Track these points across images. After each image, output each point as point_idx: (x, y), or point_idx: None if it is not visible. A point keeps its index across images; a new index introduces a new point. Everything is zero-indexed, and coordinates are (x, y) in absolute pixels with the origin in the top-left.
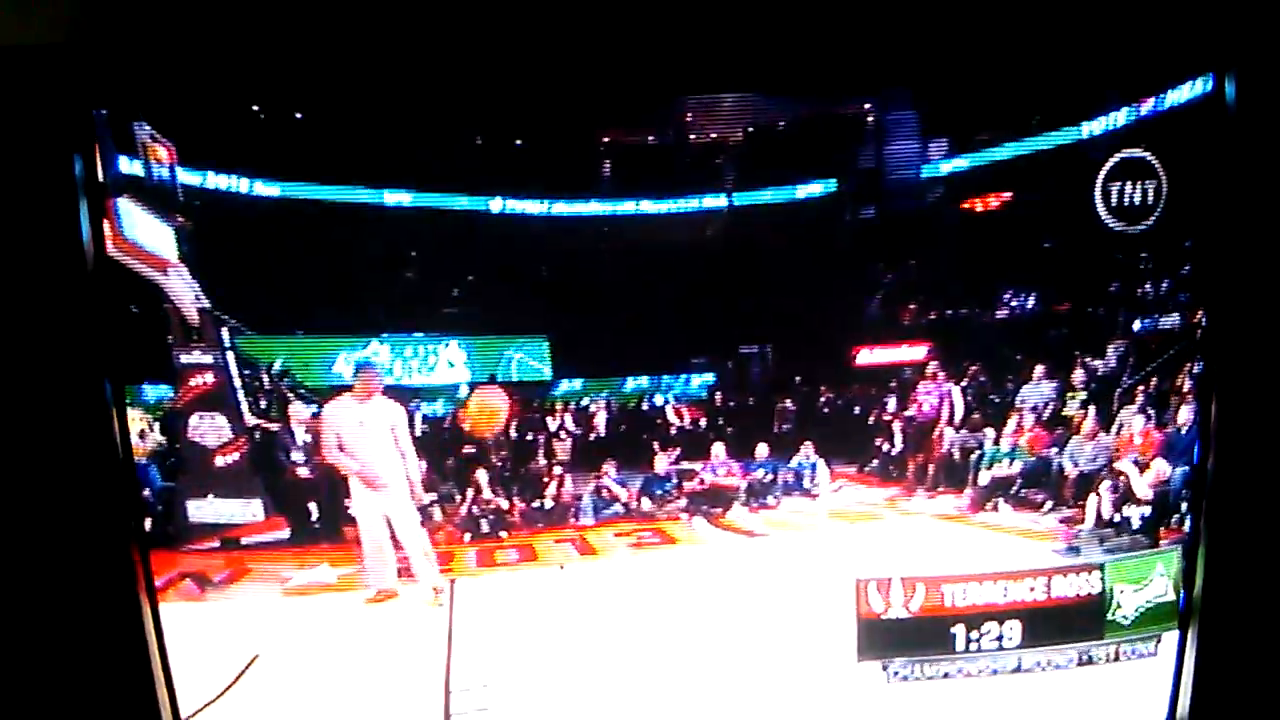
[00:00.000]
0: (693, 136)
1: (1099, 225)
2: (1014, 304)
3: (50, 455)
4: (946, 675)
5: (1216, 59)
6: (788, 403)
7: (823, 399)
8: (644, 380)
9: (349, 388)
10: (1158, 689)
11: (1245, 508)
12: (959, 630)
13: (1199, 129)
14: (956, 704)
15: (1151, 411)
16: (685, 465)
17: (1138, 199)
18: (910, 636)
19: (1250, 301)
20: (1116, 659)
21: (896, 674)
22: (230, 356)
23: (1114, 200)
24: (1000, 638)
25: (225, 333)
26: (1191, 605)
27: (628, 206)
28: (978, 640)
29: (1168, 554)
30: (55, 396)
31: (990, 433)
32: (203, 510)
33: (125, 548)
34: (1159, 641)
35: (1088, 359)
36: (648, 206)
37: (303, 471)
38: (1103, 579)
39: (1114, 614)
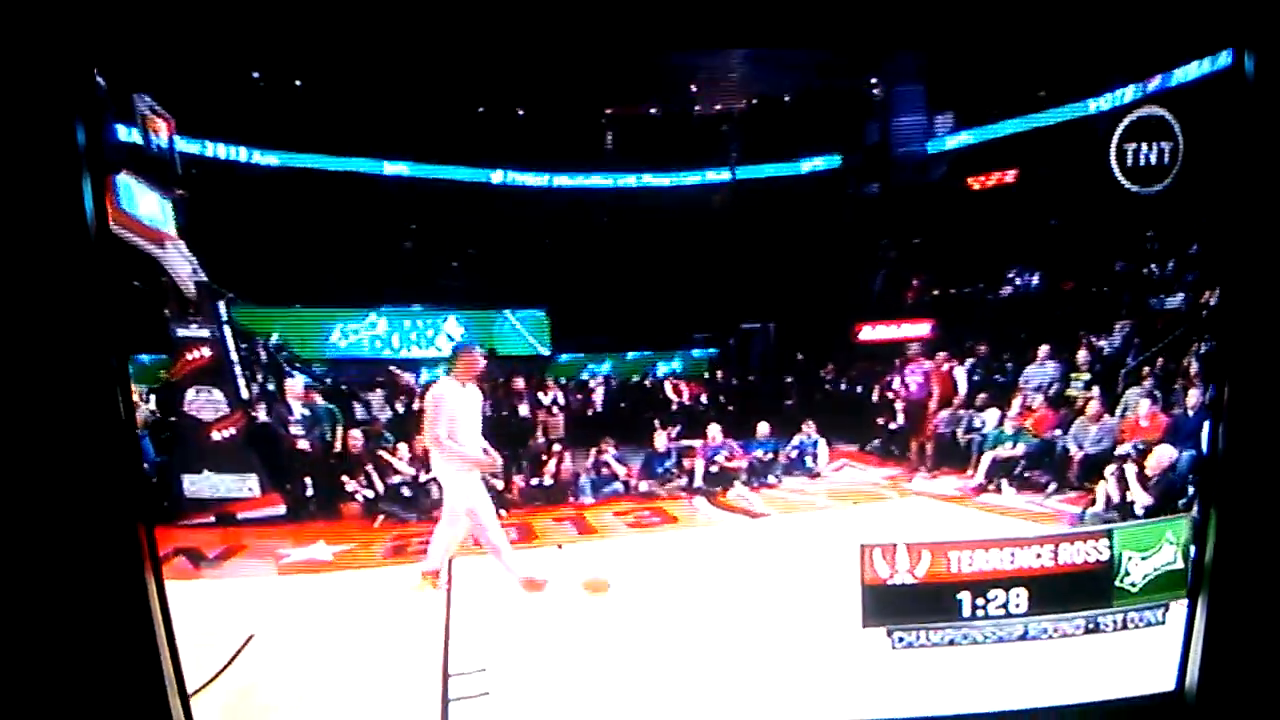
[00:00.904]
0: (697, 109)
1: (1112, 195)
2: (1019, 282)
3: (54, 434)
4: (952, 642)
5: (1236, 35)
6: (790, 380)
7: (825, 376)
8: (645, 355)
9: (448, 370)
10: (1166, 657)
11: (1256, 477)
12: (965, 597)
13: (1216, 102)
14: (962, 671)
15: (1159, 393)
16: (685, 443)
17: (1154, 160)
18: (915, 603)
19: (1262, 278)
20: (1124, 627)
21: (901, 640)
22: (227, 330)
23: (1129, 162)
24: (1006, 604)
25: (222, 306)
26: (1201, 573)
27: (630, 180)
28: (984, 607)
29: (1177, 521)
30: (58, 371)
31: (994, 413)
32: (198, 485)
33: (130, 525)
34: (1167, 610)
35: (1094, 338)
36: (650, 180)
37: (302, 446)
38: (1111, 546)
39: (1122, 581)
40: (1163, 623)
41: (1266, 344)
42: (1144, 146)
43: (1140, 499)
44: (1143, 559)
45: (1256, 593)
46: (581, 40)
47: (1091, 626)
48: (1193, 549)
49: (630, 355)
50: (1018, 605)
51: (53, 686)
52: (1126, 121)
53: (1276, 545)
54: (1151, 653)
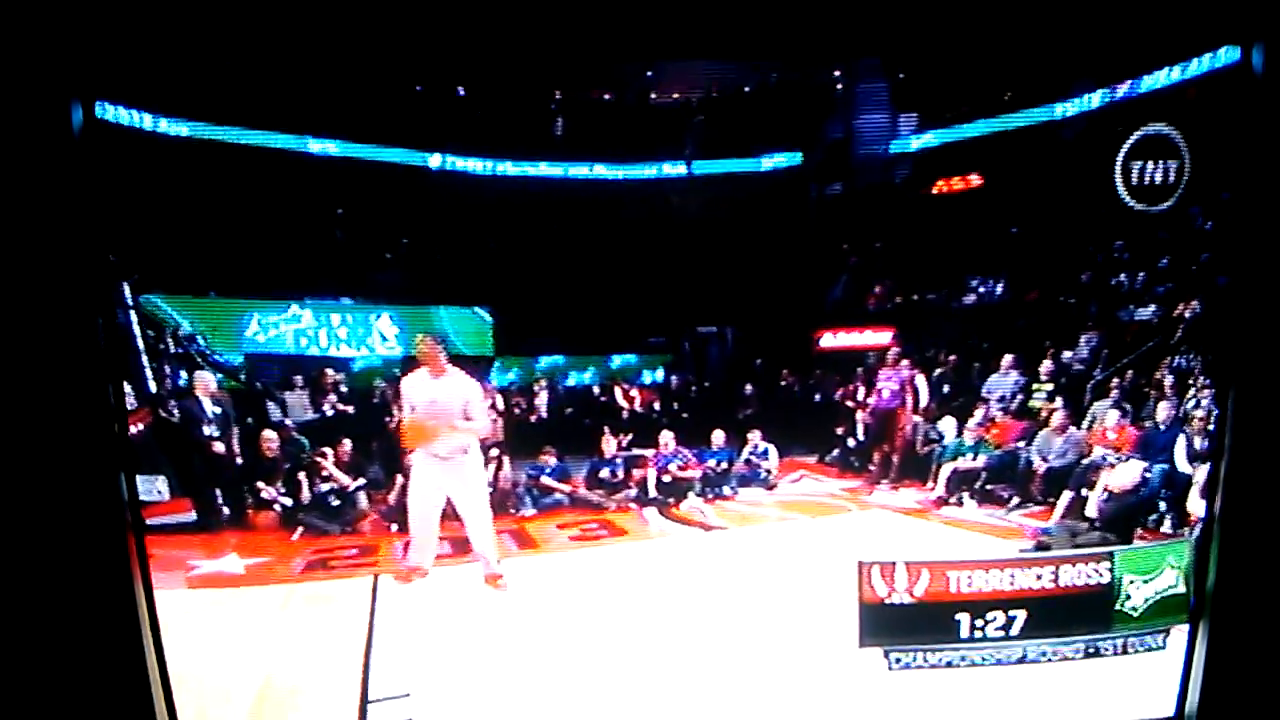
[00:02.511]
0: (654, 96)
1: (1083, 203)
2: (983, 290)
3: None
4: (950, 664)
5: (1243, 32)
6: (747, 387)
7: (783, 384)
8: (593, 360)
9: (415, 360)
10: (1166, 682)
11: (1259, 500)
12: (963, 618)
13: (1219, 103)
14: (960, 694)
15: (1128, 406)
16: (636, 452)
17: (1159, 178)
18: (913, 623)
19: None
20: (1124, 651)
21: (899, 661)
22: (133, 315)
23: (1134, 180)
24: (1006, 626)
25: (127, 288)
26: (1203, 599)
27: (581, 170)
28: (983, 628)
29: (1178, 546)
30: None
31: (952, 423)
32: None
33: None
34: (1168, 634)
35: (1058, 350)
36: (602, 171)
37: (215, 447)
38: (1112, 569)
39: (1122, 605)
40: (1163, 647)
41: (1269, 364)
42: (1149, 164)
43: (1096, 515)
44: (1144, 583)
45: (1258, 618)
46: (529, 27)
47: (1091, 650)
48: (1194, 572)
49: (578, 358)
50: (1017, 627)
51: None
52: (1132, 139)
53: (1279, 570)
54: (1151, 678)
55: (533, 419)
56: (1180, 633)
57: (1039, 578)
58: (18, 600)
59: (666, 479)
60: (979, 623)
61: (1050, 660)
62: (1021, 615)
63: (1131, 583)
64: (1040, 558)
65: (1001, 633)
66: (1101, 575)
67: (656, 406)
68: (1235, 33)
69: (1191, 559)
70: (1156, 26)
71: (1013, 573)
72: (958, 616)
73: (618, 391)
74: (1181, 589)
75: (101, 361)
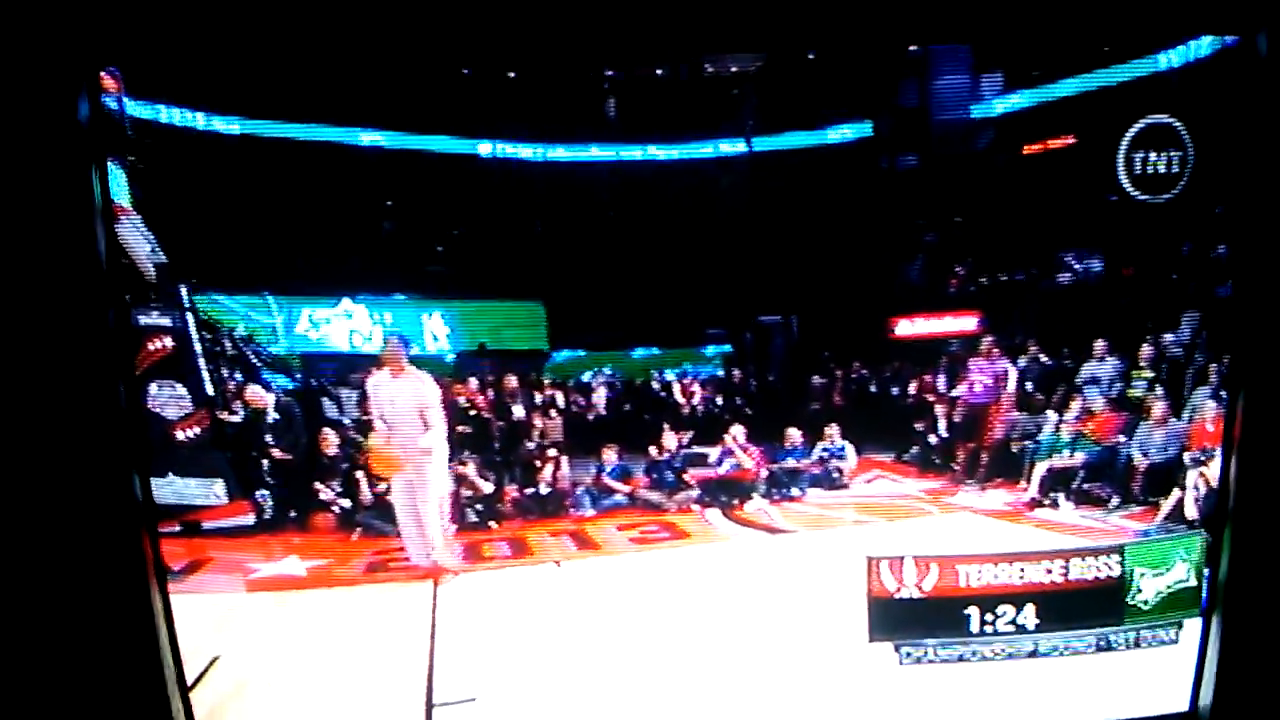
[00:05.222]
0: (709, 69)
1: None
2: (1078, 267)
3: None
4: (961, 658)
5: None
6: (814, 380)
7: (855, 377)
8: (652, 353)
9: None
10: (1180, 676)
11: (1271, 494)
12: (973, 612)
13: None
14: (971, 688)
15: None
16: (697, 450)
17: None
18: (923, 617)
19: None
20: (1137, 645)
21: (909, 655)
22: (190, 318)
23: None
24: (1016, 620)
25: (184, 290)
26: (1216, 591)
27: (634, 152)
28: (993, 622)
29: (1189, 539)
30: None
31: (1050, 417)
32: (162, 490)
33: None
34: (1181, 628)
35: (1159, 332)
36: (656, 152)
37: (272, 449)
38: (1122, 562)
39: (1134, 598)
40: (1176, 641)
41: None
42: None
43: (1196, 515)
44: (1155, 576)
45: (1271, 611)
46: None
47: (1103, 644)
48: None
49: (635, 353)
50: (1027, 621)
51: (50, 689)
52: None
53: None
54: (1165, 672)
55: (590, 416)
56: (1194, 626)
57: (1049, 571)
58: (27, 603)
59: (729, 479)
60: (989, 617)
61: (1062, 654)
62: (1032, 609)
63: (1142, 576)
64: (1050, 551)
65: (1012, 627)
66: (1112, 569)
67: (718, 403)
68: None
69: (1203, 552)
70: None
71: (1022, 566)
72: (967, 611)
73: (677, 387)
74: (1193, 582)
75: (112, 360)
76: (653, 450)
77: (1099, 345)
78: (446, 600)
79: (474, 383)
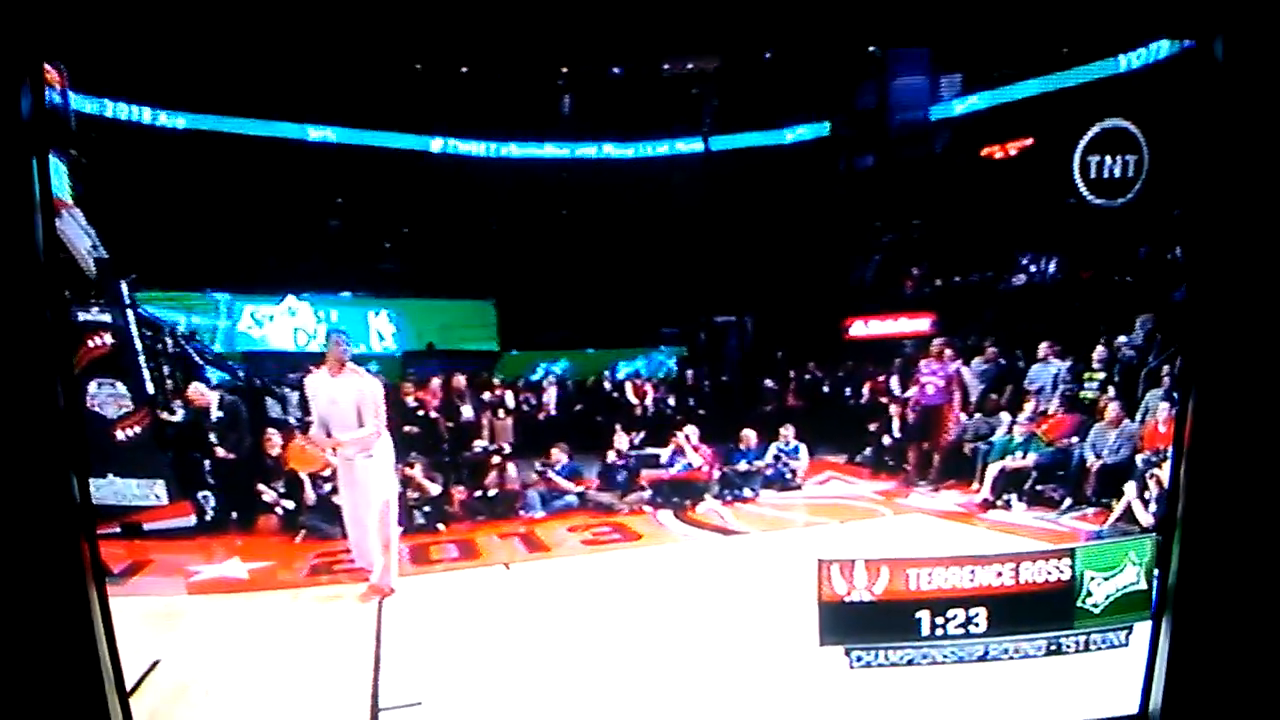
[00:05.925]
0: (666, 67)
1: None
2: (1034, 270)
3: None
4: (911, 662)
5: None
6: (768, 381)
7: (809, 377)
8: (604, 353)
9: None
10: (1130, 679)
11: (1219, 496)
12: (924, 615)
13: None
14: (922, 692)
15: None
16: (649, 451)
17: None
18: (873, 621)
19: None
20: (1087, 648)
21: (860, 659)
22: (130, 315)
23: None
24: (967, 624)
25: (124, 287)
26: (1165, 594)
27: (589, 150)
28: (944, 626)
29: (1139, 542)
30: None
31: (1003, 418)
32: (102, 490)
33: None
34: (1130, 631)
35: (1112, 334)
36: (612, 150)
37: (215, 449)
38: (1073, 565)
39: (1084, 601)
40: (1126, 644)
41: (1234, 358)
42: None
43: (1151, 520)
44: (1105, 579)
45: (1220, 614)
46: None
47: (1053, 647)
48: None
49: (588, 352)
50: (978, 625)
51: None
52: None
53: (1240, 566)
54: (1115, 674)
55: (541, 416)
56: (1143, 628)
57: (999, 574)
58: None
59: (681, 480)
60: (940, 620)
61: (1012, 657)
62: (983, 612)
63: (1093, 579)
64: (1001, 555)
65: (963, 630)
66: (1062, 572)
67: (671, 403)
68: None
69: (1153, 555)
70: None
71: (973, 570)
72: (918, 614)
73: (629, 387)
74: (1143, 585)
75: (50, 357)
76: (609, 454)
77: (1053, 347)
78: (392, 604)
79: (422, 382)
